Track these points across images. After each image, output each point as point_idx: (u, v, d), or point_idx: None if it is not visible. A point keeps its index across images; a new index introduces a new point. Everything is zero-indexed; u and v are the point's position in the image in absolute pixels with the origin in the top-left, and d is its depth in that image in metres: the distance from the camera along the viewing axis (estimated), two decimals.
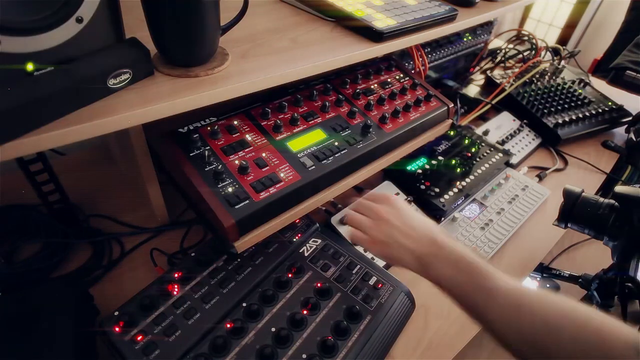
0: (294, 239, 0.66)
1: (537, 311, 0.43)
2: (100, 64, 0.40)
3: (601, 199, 0.66)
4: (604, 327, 0.39)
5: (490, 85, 1.19)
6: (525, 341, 0.43)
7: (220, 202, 0.52)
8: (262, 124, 0.63)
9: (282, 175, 0.57)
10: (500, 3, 0.89)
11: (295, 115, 0.65)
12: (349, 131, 0.67)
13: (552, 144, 1.09)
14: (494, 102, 1.12)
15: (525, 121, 1.10)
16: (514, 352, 0.44)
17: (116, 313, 0.51)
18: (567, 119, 1.10)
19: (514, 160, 0.99)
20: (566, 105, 1.14)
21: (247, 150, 0.58)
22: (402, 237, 0.55)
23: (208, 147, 0.57)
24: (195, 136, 0.56)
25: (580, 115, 1.12)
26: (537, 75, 1.23)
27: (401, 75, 0.84)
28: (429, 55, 1.01)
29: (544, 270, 0.92)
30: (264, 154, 0.59)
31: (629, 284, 0.58)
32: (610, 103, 1.19)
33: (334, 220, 0.75)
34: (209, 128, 0.59)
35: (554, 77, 1.25)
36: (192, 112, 0.47)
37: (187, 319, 0.53)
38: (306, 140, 0.63)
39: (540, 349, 0.41)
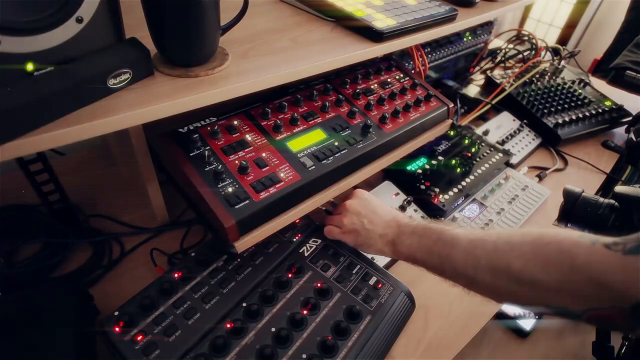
0: (294, 239, 0.66)
1: (501, 235, 0.47)
2: (100, 64, 0.40)
3: (601, 199, 0.66)
4: (560, 230, 0.43)
5: (490, 85, 1.19)
6: (489, 267, 0.45)
7: (220, 202, 0.52)
8: (262, 124, 0.63)
9: (282, 175, 0.57)
10: (500, 3, 0.89)
11: (295, 115, 0.65)
12: (349, 131, 0.67)
13: (552, 144, 1.09)
14: (494, 102, 1.12)
15: (525, 121, 1.10)
16: (479, 286, 0.48)
17: (116, 313, 0.51)
18: (567, 119, 1.10)
19: (514, 160, 0.99)
20: (566, 105, 1.14)
21: (247, 150, 0.58)
22: (370, 224, 0.62)
23: (208, 147, 0.57)
24: (195, 136, 0.56)
25: (580, 115, 1.12)
26: (537, 75, 1.23)
27: (401, 75, 0.84)
28: (429, 55, 1.01)
29: None
30: (264, 154, 0.59)
31: None
32: (610, 103, 1.19)
33: None
34: (209, 128, 0.59)
35: (554, 77, 1.25)
36: (192, 112, 0.47)
37: (187, 319, 0.53)
38: (306, 140, 0.63)
39: (504, 266, 0.44)
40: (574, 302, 0.39)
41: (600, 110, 1.15)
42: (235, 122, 0.61)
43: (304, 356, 0.52)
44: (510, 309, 1.24)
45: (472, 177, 0.88)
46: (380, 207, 0.64)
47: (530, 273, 0.41)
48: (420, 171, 0.86)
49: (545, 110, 1.10)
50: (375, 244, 0.61)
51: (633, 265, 0.35)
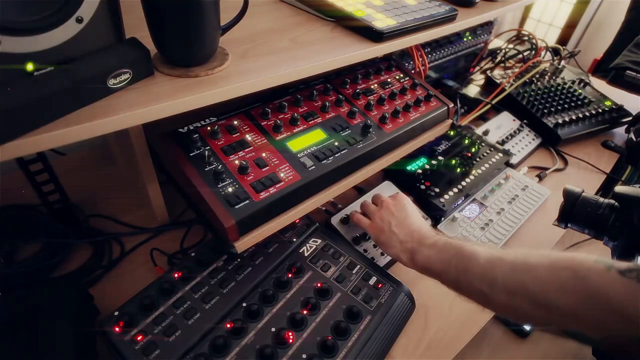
0: (294, 239, 0.66)
1: (518, 256, 0.47)
2: (100, 64, 0.40)
3: (601, 199, 0.66)
4: (576, 255, 0.42)
5: (490, 85, 1.19)
6: (505, 286, 0.45)
7: (220, 202, 0.52)
8: (262, 124, 0.63)
9: (282, 175, 0.57)
10: (500, 3, 0.89)
11: (295, 115, 0.65)
12: (349, 131, 0.67)
13: (552, 144, 1.09)
14: (494, 102, 1.12)
15: (525, 121, 1.10)
16: (494, 304, 0.48)
17: (116, 313, 0.51)
18: (567, 119, 1.10)
19: (514, 160, 0.99)
20: (566, 105, 1.14)
21: (247, 150, 0.58)
22: (396, 227, 0.63)
23: (208, 147, 0.57)
24: (195, 136, 0.56)
25: (580, 115, 1.12)
26: (537, 75, 1.23)
27: (401, 75, 0.84)
28: (429, 55, 1.01)
29: None
30: (264, 154, 0.59)
31: None
32: (610, 103, 1.19)
33: (334, 220, 0.75)
34: (209, 128, 0.59)
35: (554, 77, 1.25)
36: (192, 112, 0.47)
37: (187, 319, 0.53)
38: (306, 140, 0.63)
39: (520, 287, 0.44)
40: (590, 329, 0.39)
41: (600, 110, 1.15)
42: (235, 122, 0.61)
43: (304, 356, 0.52)
44: None
45: (472, 177, 0.88)
46: (413, 215, 0.65)
47: (546, 297, 0.41)
48: (420, 171, 0.86)
49: (545, 110, 1.10)
50: (394, 247, 0.61)
51: None
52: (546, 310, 0.42)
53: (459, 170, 0.89)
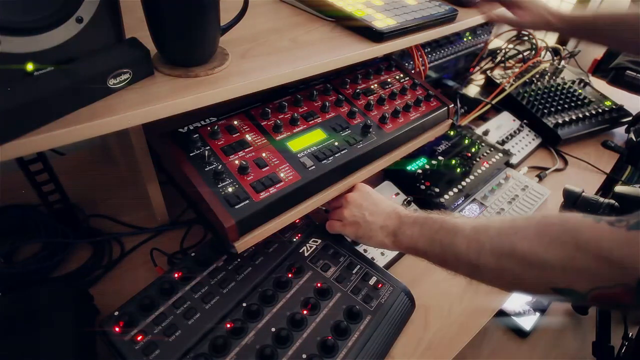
0: (294, 239, 0.66)
1: (505, 221, 0.47)
2: (100, 64, 0.40)
3: (601, 199, 0.66)
4: (563, 213, 0.43)
5: (490, 85, 1.19)
6: (493, 251, 0.45)
7: (220, 202, 0.52)
8: (262, 124, 0.63)
9: (282, 175, 0.57)
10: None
11: (295, 115, 0.65)
12: (349, 131, 0.67)
13: (552, 144, 1.09)
14: (494, 102, 1.12)
15: (525, 121, 1.10)
16: (483, 272, 0.47)
17: (116, 313, 0.51)
18: (567, 119, 1.10)
19: (514, 160, 0.99)
20: (566, 105, 1.14)
21: (247, 150, 0.58)
22: (370, 216, 0.62)
23: (208, 147, 0.57)
24: (195, 136, 0.56)
25: (580, 115, 1.12)
26: (537, 75, 1.23)
27: (401, 75, 0.84)
28: (429, 55, 1.01)
29: None
30: (264, 154, 0.59)
31: None
32: (610, 103, 1.19)
33: None
34: (209, 128, 0.59)
35: (554, 77, 1.25)
36: (192, 112, 0.47)
37: (187, 319, 0.53)
38: (306, 140, 0.63)
39: (509, 249, 0.43)
40: (579, 281, 0.39)
41: (600, 110, 1.15)
42: (235, 122, 0.61)
43: (304, 356, 0.52)
44: (510, 307, 1.24)
45: (472, 177, 0.88)
46: (382, 200, 0.64)
47: (535, 254, 0.41)
48: (420, 171, 0.86)
49: (545, 110, 1.10)
50: (376, 235, 0.61)
51: (637, 239, 0.35)
52: (535, 269, 0.42)
53: (459, 170, 0.89)
